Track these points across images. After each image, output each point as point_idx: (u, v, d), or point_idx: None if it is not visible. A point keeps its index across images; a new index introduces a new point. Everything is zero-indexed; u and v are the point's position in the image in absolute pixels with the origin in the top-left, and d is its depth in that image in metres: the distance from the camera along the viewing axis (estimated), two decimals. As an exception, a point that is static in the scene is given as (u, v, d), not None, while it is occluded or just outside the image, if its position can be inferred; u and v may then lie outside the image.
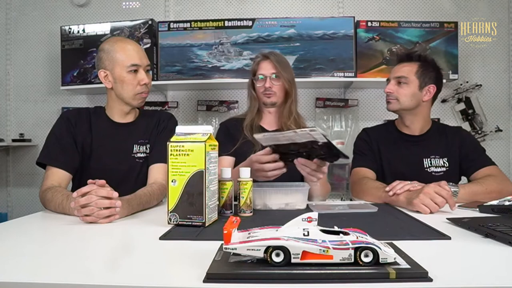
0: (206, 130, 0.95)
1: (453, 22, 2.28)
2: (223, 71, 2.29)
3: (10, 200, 2.62)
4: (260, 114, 1.55)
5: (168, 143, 0.90)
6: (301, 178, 1.49)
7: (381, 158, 1.52)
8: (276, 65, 1.47)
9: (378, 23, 2.27)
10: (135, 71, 1.29)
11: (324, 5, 2.49)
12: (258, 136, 1.07)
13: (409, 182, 1.19)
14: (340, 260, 0.55)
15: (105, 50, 1.30)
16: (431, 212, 1.05)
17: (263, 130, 1.50)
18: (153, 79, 2.25)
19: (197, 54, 2.30)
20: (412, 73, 1.46)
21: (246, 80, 1.61)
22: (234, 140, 1.47)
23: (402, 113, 1.52)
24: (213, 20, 2.31)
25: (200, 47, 2.30)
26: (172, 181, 0.89)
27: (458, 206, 1.16)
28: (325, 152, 1.05)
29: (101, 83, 1.33)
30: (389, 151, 1.52)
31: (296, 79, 1.58)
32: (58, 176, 1.22)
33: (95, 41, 2.30)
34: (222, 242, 0.59)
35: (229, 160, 1.45)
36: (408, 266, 0.56)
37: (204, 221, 0.88)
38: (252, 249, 0.56)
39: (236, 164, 1.43)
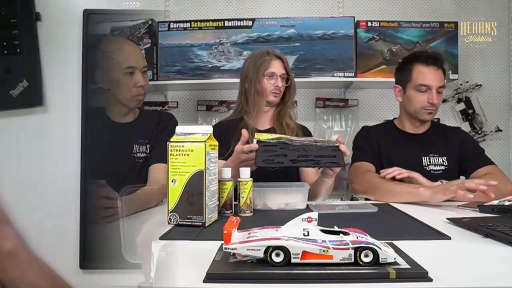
0: (206, 130, 0.95)
1: (453, 22, 2.27)
2: (223, 71, 2.29)
3: (10, 200, 2.62)
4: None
5: (168, 143, 0.90)
6: (296, 178, 1.49)
7: (380, 155, 1.51)
8: (287, 67, 1.50)
9: (378, 23, 2.26)
10: (131, 73, 1.29)
11: (324, 5, 2.48)
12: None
13: (407, 170, 1.24)
14: (340, 260, 0.55)
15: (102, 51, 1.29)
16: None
17: (257, 131, 1.48)
18: (153, 79, 2.25)
19: (197, 54, 2.30)
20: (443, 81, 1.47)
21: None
22: (227, 144, 1.45)
23: None
24: (213, 20, 2.31)
25: (200, 47, 2.30)
26: (172, 181, 0.89)
27: (458, 206, 1.17)
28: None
29: (100, 83, 1.33)
30: (388, 149, 1.52)
31: (296, 79, 1.58)
32: (58, 176, 1.22)
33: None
34: (222, 242, 0.59)
35: (223, 164, 1.44)
36: (408, 266, 0.56)
37: (204, 221, 0.88)
38: (252, 249, 0.56)
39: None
